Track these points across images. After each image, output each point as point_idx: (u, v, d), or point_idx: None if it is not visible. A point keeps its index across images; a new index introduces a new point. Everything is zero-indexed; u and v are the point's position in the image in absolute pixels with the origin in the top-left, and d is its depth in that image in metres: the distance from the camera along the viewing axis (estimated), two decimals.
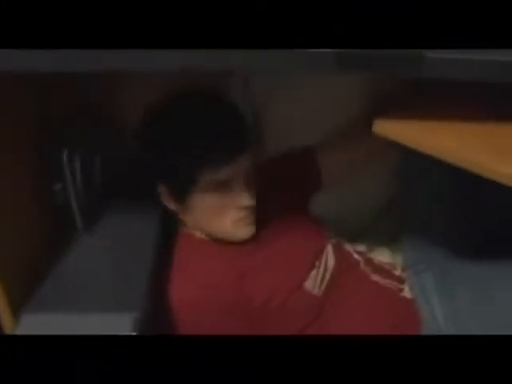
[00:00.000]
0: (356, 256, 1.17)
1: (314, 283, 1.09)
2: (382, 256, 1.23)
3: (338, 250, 1.16)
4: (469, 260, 1.08)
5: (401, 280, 1.14)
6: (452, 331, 1.04)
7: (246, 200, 1.03)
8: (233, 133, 1.01)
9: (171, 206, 1.08)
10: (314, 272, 1.10)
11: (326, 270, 1.12)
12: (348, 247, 1.20)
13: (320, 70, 0.70)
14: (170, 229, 1.12)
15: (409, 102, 0.90)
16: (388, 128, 0.84)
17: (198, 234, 1.09)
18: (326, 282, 1.10)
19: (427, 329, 1.06)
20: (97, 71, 0.71)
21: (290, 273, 1.09)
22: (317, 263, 1.12)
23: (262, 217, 1.12)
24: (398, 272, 1.16)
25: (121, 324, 0.87)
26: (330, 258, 1.14)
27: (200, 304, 1.01)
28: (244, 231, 1.07)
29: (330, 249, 1.15)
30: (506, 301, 1.02)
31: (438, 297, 1.09)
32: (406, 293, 1.12)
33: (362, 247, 1.22)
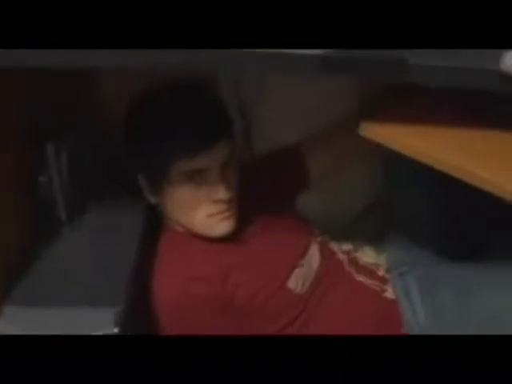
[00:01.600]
0: (341, 255, 1.17)
1: (297, 282, 1.09)
2: (367, 256, 1.23)
3: (322, 249, 1.16)
4: (452, 262, 1.09)
5: (384, 281, 1.14)
6: (433, 331, 1.04)
7: (222, 193, 1.02)
8: (207, 121, 1.00)
9: (151, 198, 1.07)
10: (297, 271, 1.10)
11: (309, 268, 1.12)
12: (333, 246, 1.20)
13: (306, 72, 0.71)
14: (155, 223, 1.11)
15: (396, 105, 0.90)
16: (374, 130, 0.84)
17: (181, 229, 1.09)
18: (309, 281, 1.10)
19: (409, 330, 1.06)
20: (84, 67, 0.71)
21: (274, 271, 1.09)
22: (301, 262, 1.12)
23: (248, 213, 1.12)
24: (381, 272, 1.16)
25: (103, 319, 0.87)
26: (314, 257, 1.14)
27: (182, 300, 1.01)
28: (221, 226, 1.06)
29: (314, 248, 1.16)
30: (488, 303, 1.02)
31: (421, 299, 1.09)
32: (389, 294, 1.12)
33: (347, 246, 1.22)
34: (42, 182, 0.98)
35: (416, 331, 1.06)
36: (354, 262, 1.17)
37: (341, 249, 1.20)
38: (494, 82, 0.72)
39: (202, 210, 1.04)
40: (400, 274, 1.13)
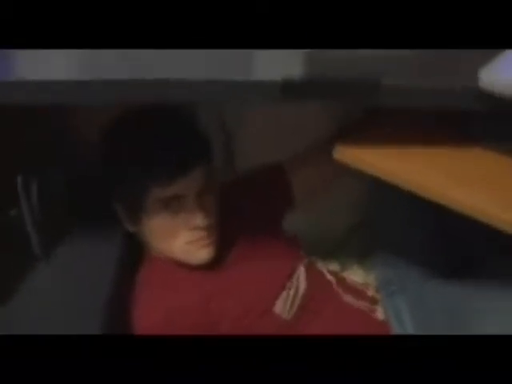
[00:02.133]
0: (329, 276, 1.14)
1: (283, 306, 1.06)
2: (356, 275, 1.20)
3: (310, 270, 1.13)
4: (442, 281, 1.06)
5: (374, 301, 1.11)
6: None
7: (199, 220, 0.99)
8: (182, 147, 0.98)
9: (129, 227, 1.05)
10: (284, 294, 1.07)
11: (296, 291, 1.09)
12: (321, 267, 1.16)
13: (268, 101, 0.68)
14: (135, 252, 1.08)
15: (370, 127, 0.88)
16: (346, 154, 0.82)
17: (162, 257, 1.06)
18: (296, 305, 1.07)
19: None
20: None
21: (259, 296, 1.06)
22: (288, 285, 1.08)
23: (231, 236, 1.09)
24: (370, 292, 1.13)
25: None
26: (301, 279, 1.11)
27: (164, 330, 0.98)
28: (200, 254, 1.03)
29: (301, 270, 1.12)
30: (480, 323, 0.99)
31: (411, 319, 1.06)
32: (379, 314, 1.09)
33: (334, 266, 1.19)
34: (13, 216, 0.95)
35: None
36: (341, 282, 1.14)
37: (328, 269, 1.16)
38: (469, 100, 0.68)
39: (180, 237, 1.01)
40: (389, 294, 1.11)
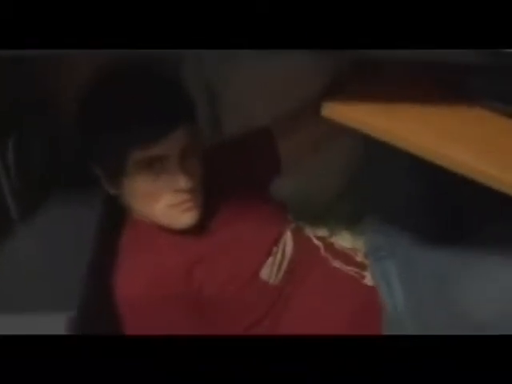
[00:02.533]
0: (316, 241, 1.12)
1: (270, 272, 1.04)
2: (344, 241, 1.18)
3: (297, 235, 1.11)
4: (432, 247, 1.04)
5: (363, 266, 1.09)
6: (412, 319, 1.00)
7: (182, 182, 0.96)
8: (163, 105, 0.94)
9: (110, 189, 1.02)
10: (270, 259, 1.05)
11: (283, 257, 1.06)
12: (308, 232, 1.14)
13: None
14: (116, 216, 1.05)
15: (358, 84, 0.86)
16: (336, 111, 0.80)
17: (145, 221, 1.03)
18: (283, 270, 1.05)
19: (387, 317, 1.02)
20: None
21: (245, 261, 1.03)
22: (274, 250, 1.06)
23: (217, 201, 1.07)
24: (359, 258, 1.11)
25: (54, 324, 0.81)
26: (288, 244, 1.09)
27: (146, 297, 0.95)
28: (184, 218, 0.99)
29: (288, 235, 1.10)
30: (469, 290, 0.97)
31: (401, 284, 1.04)
32: (368, 280, 1.07)
33: (322, 231, 1.16)
34: None
35: (395, 318, 1.01)
36: (329, 247, 1.11)
37: (316, 235, 1.14)
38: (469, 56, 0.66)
39: (162, 200, 0.98)
40: (378, 259, 1.09)
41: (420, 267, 1.04)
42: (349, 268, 1.08)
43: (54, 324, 0.81)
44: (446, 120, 0.81)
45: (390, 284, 1.05)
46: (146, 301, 0.95)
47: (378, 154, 1.08)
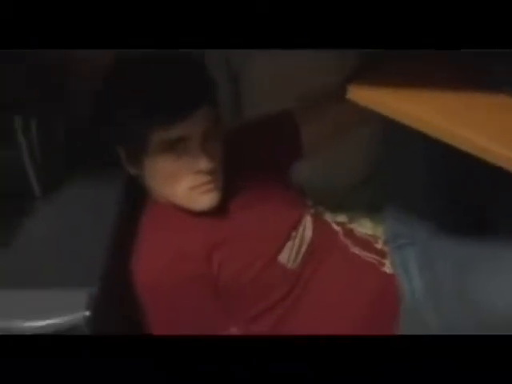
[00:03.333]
0: (335, 227, 1.11)
1: (288, 256, 1.04)
2: (364, 227, 1.17)
3: (316, 220, 1.10)
4: (452, 236, 1.03)
5: (382, 254, 1.08)
6: (429, 307, 0.99)
7: (203, 163, 0.96)
8: (186, 87, 0.94)
9: (131, 170, 1.02)
10: (289, 243, 1.04)
11: (302, 241, 1.06)
12: (327, 217, 1.14)
13: None
14: (137, 197, 1.05)
15: (386, 68, 0.85)
16: (362, 94, 0.81)
17: (165, 201, 1.03)
18: (301, 254, 1.04)
19: (406, 305, 1.01)
20: None
21: (264, 244, 1.03)
22: (293, 234, 1.06)
23: (237, 184, 1.06)
24: (379, 245, 1.10)
25: (74, 301, 0.82)
26: (307, 228, 1.08)
27: (165, 279, 0.96)
28: (204, 199, 0.99)
29: (308, 219, 1.09)
30: (487, 280, 0.96)
31: (419, 273, 1.03)
32: (387, 267, 1.06)
33: (342, 217, 1.16)
34: (11, 155, 0.92)
35: (413, 306, 1.01)
36: (349, 233, 1.10)
37: (335, 220, 1.13)
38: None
39: (183, 181, 0.98)
40: (398, 247, 1.07)
41: (439, 256, 1.02)
42: (368, 255, 1.07)
43: (75, 300, 0.82)
44: (469, 105, 0.80)
45: (408, 272, 1.04)
46: (165, 281, 0.96)
47: (399, 142, 1.07)
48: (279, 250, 1.03)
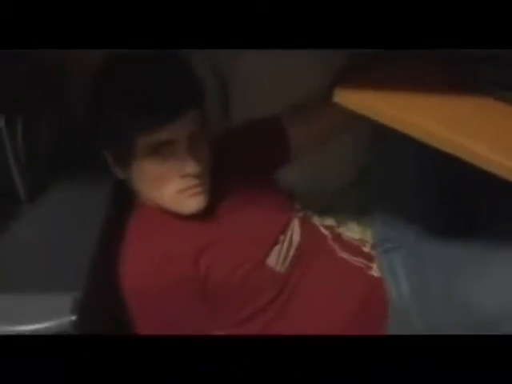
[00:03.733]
0: (323, 231, 1.11)
1: (277, 259, 1.03)
2: (352, 231, 1.17)
3: (304, 224, 1.10)
4: (439, 240, 1.03)
5: (370, 257, 1.08)
6: (418, 310, 1.00)
7: (190, 167, 0.96)
8: (172, 90, 0.93)
9: (118, 173, 1.01)
10: (277, 247, 1.04)
11: (290, 245, 1.06)
12: (316, 221, 1.14)
13: None
14: (123, 201, 1.05)
15: (372, 71, 0.85)
16: (349, 98, 0.81)
17: (152, 204, 1.02)
18: (289, 258, 1.04)
19: (394, 308, 1.01)
20: None
21: (252, 248, 1.03)
22: (281, 238, 1.06)
23: (225, 188, 1.06)
24: (367, 249, 1.10)
25: (60, 305, 0.81)
26: (295, 232, 1.08)
27: (152, 282, 0.95)
28: (191, 203, 0.99)
29: (296, 223, 1.09)
30: (475, 283, 0.97)
31: (406, 276, 1.03)
32: (375, 271, 1.06)
33: (330, 221, 1.16)
34: None
35: (400, 309, 1.01)
36: (337, 237, 1.11)
37: (323, 224, 1.13)
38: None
39: (170, 185, 0.98)
40: (385, 251, 1.08)
41: (427, 258, 1.03)
42: (355, 259, 1.07)
43: (61, 304, 0.81)
44: (457, 109, 0.81)
45: (395, 275, 1.04)
46: (152, 285, 0.95)
47: (387, 145, 1.07)
48: (267, 254, 1.03)
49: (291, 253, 1.05)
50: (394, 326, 1.00)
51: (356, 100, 0.80)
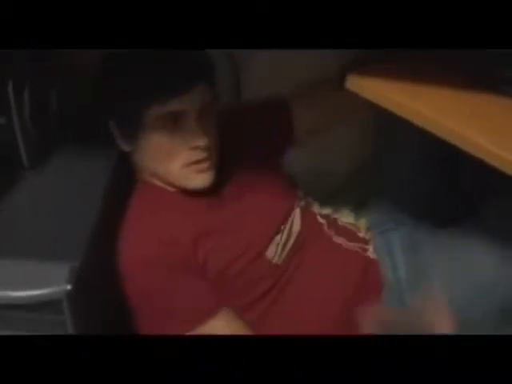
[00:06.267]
0: (320, 219, 1.10)
1: (275, 250, 1.02)
2: (347, 217, 1.15)
3: (304, 213, 1.09)
4: (437, 224, 1.05)
5: (365, 241, 1.08)
6: (414, 291, 1.00)
7: (200, 140, 0.96)
8: (183, 62, 0.94)
9: (124, 146, 1.01)
10: (277, 238, 1.03)
11: (289, 235, 1.05)
12: (315, 209, 1.12)
13: None
14: (127, 175, 1.04)
15: (386, 60, 0.85)
16: (360, 84, 0.82)
17: (157, 182, 1.03)
18: (288, 248, 1.04)
19: (389, 289, 1.02)
20: None
21: (253, 238, 1.02)
22: (282, 227, 1.05)
23: (229, 172, 1.06)
24: (362, 234, 1.10)
25: (56, 273, 0.81)
26: (296, 221, 1.07)
27: (149, 261, 0.95)
28: (198, 178, 0.99)
29: (297, 212, 1.08)
30: (469, 261, 0.98)
31: (403, 256, 1.04)
32: (370, 253, 1.06)
33: (327, 209, 1.14)
34: (1, 123, 0.90)
35: (396, 289, 1.02)
36: (333, 224, 1.10)
37: (321, 212, 1.12)
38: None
39: (178, 158, 0.97)
40: (382, 232, 1.08)
41: (423, 240, 1.04)
42: (351, 244, 1.07)
43: (57, 272, 0.81)
44: (467, 103, 0.81)
45: (392, 256, 1.04)
46: (149, 265, 0.95)
47: (389, 132, 1.08)
48: (267, 245, 1.02)
49: (290, 243, 1.04)
50: (390, 306, 1.00)
51: (368, 87, 0.81)
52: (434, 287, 0.98)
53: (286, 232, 1.05)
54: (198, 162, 0.98)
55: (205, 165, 0.98)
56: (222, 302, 0.97)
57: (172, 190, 1.02)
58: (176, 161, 0.97)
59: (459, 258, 1.00)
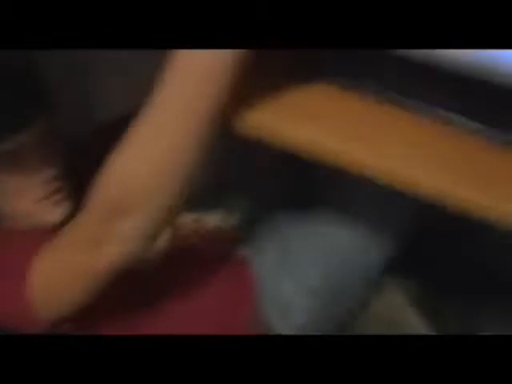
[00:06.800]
0: (186, 227, 1.13)
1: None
2: (214, 219, 1.20)
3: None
4: (295, 209, 1.09)
5: (236, 239, 1.12)
6: (286, 277, 1.06)
7: (47, 173, 0.90)
8: (12, 102, 0.86)
9: None
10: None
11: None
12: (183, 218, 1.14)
13: None
14: None
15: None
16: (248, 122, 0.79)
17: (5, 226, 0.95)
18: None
19: (263, 284, 1.06)
20: None
21: None
22: None
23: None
24: (232, 233, 1.15)
25: None
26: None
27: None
28: (54, 212, 0.94)
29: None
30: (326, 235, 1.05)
31: (272, 251, 1.09)
32: (240, 251, 1.10)
33: (191, 215, 1.17)
34: None
35: (269, 279, 1.06)
36: (200, 229, 1.14)
37: (185, 220, 1.15)
38: None
39: (29, 195, 0.92)
40: (249, 230, 1.13)
41: (287, 229, 1.09)
42: (218, 245, 1.11)
43: None
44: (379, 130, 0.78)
45: (260, 247, 1.09)
46: None
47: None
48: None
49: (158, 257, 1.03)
50: (266, 300, 1.05)
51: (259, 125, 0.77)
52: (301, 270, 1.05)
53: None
54: (51, 194, 0.93)
55: (59, 196, 0.94)
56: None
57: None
58: (25, 198, 0.92)
59: (317, 233, 1.06)
